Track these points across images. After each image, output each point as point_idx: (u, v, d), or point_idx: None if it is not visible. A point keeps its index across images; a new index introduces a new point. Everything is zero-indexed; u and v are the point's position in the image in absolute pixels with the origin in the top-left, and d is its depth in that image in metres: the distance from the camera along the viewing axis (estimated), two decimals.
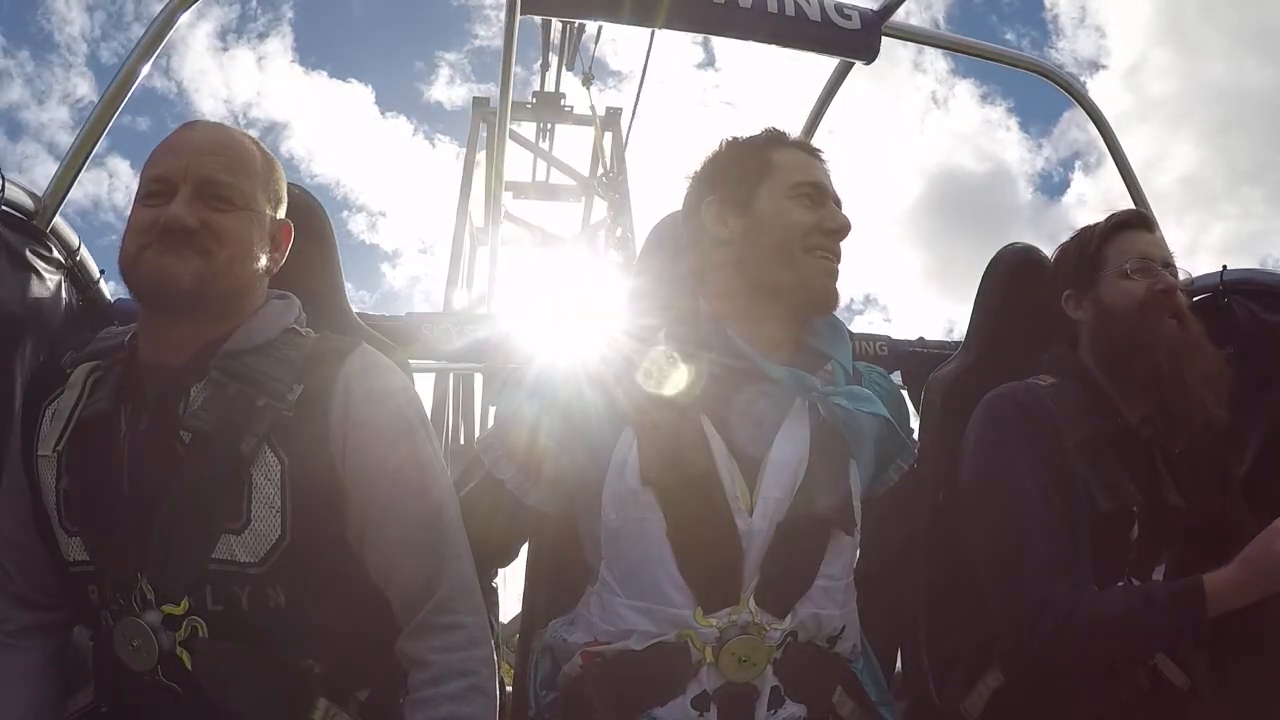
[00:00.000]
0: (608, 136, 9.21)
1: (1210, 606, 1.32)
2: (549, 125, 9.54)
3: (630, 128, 8.60)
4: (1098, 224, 1.64)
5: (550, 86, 9.23)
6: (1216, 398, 1.49)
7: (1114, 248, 1.59)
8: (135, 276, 1.18)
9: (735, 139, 1.43)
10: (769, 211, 1.33)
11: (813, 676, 1.28)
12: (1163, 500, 1.49)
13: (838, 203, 1.37)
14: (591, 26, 7.77)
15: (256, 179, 1.24)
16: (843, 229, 1.33)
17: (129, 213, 1.21)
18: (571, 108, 9.33)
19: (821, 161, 1.39)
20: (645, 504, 1.23)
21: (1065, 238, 1.72)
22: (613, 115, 9.23)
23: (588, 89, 8.22)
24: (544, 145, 9.72)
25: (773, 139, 1.40)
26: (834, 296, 1.33)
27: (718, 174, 1.40)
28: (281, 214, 1.31)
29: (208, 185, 1.18)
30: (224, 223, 1.18)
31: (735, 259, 1.34)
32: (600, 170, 9.32)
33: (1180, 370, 1.48)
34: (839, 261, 1.33)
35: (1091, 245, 1.61)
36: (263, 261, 1.25)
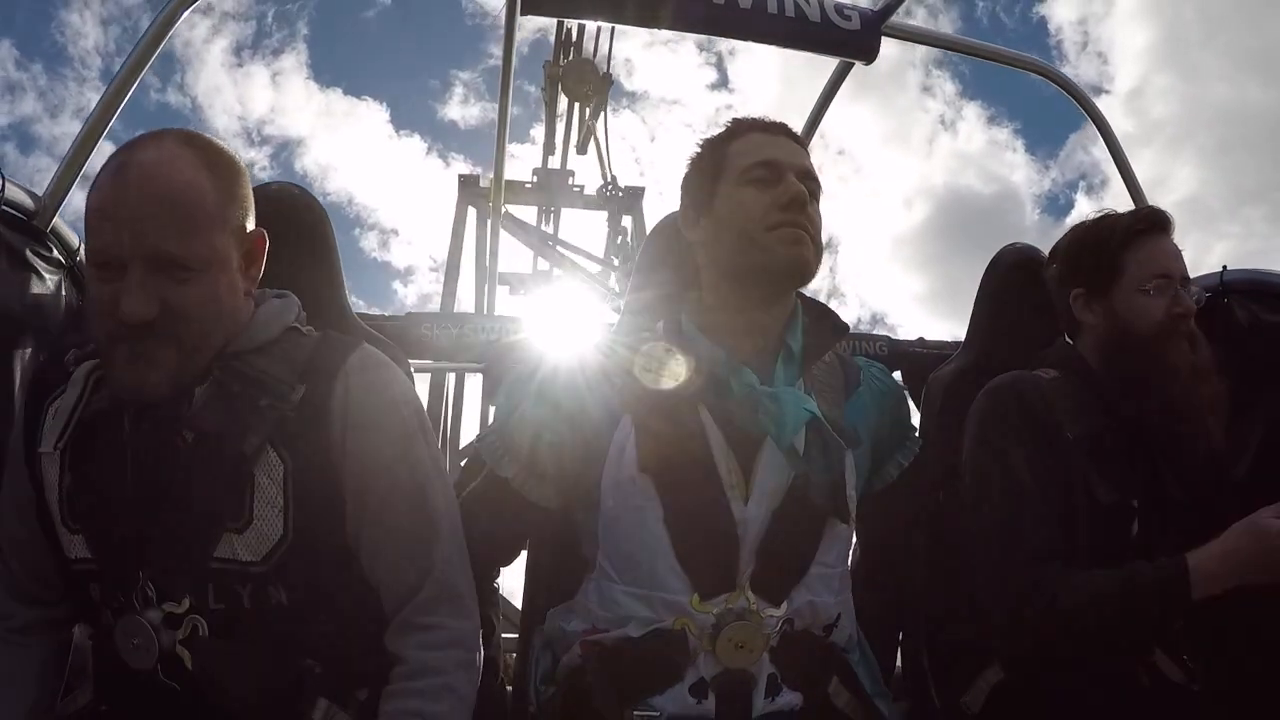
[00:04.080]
0: (626, 221, 7.65)
1: (1194, 583, 1.31)
2: (552, 209, 7.84)
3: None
4: (1116, 222, 1.60)
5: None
6: (1218, 424, 1.50)
7: (1134, 256, 1.55)
8: (111, 380, 1.15)
9: (700, 143, 1.41)
10: (726, 205, 1.32)
11: (809, 665, 1.29)
12: (1164, 495, 1.49)
13: (804, 172, 1.32)
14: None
15: (213, 222, 1.12)
16: (796, 198, 1.28)
17: (90, 281, 1.13)
18: (581, 188, 7.64)
19: (779, 135, 1.36)
20: (643, 491, 1.23)
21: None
22: (633, 195, 7.62)
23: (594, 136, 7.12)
24: (547, 228, 7.95)
25: (730, 130, 1.38)
26: (804, 262, 1.29)
27: (687, 178, 1.41)
28: (251, 224, 1.21)
29: (159, 259, 1.07)
30: (185, 296, 1.10)
31: (711, 258, 1.35)
32: (615, 264, 7.70)
33: (1191, 401, 1.48)
34: (808, 229, 1.29)
35: (1110, 248, 1.57)
36: (239, 295, 1.19)
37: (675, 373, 1.26)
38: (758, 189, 1.30)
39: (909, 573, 1.72)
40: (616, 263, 7.85)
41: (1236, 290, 1.94)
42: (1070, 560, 1.40)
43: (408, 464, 1.22)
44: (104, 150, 1.87)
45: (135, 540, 1.13)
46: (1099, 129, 2.65)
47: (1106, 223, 1.61)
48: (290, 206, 1.58)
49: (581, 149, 7.50)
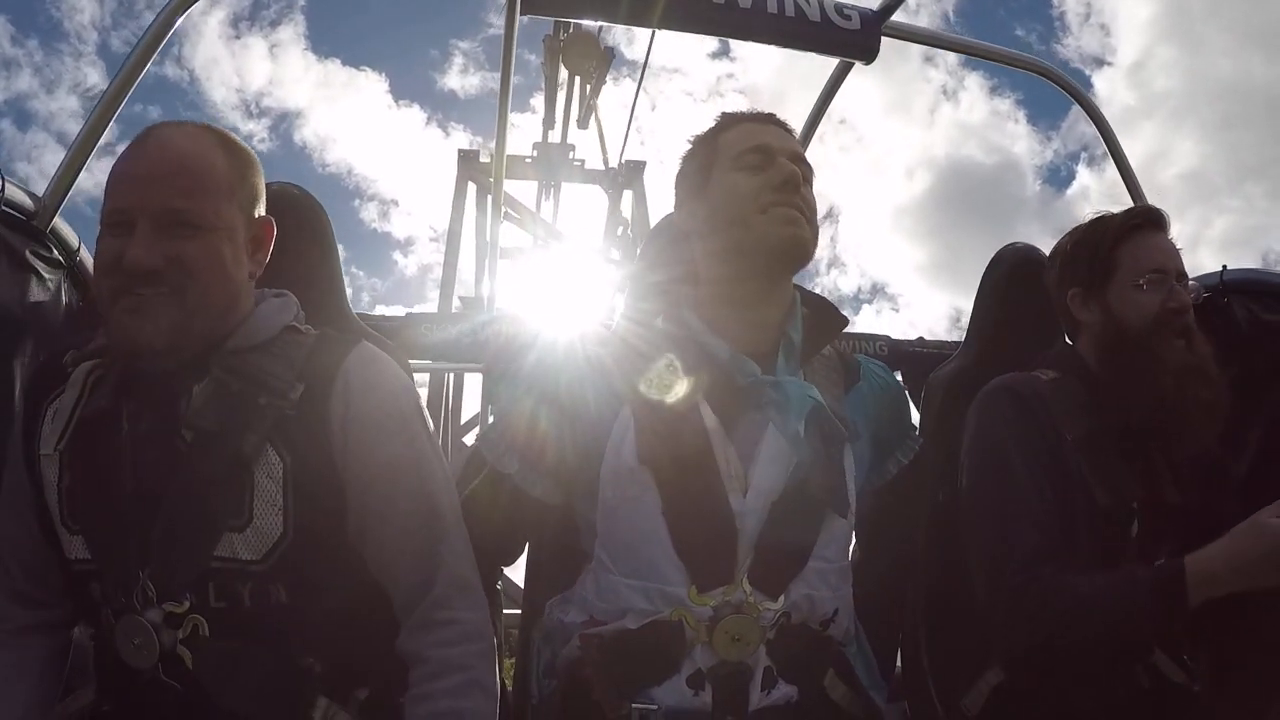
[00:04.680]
0: (627, 196, 7.64)
1: (1191, 586, 1.31)
2: (552, 184, 7.82)
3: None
4: (1111, 220, 1.61)
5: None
6: (1212, 426, 1.49)
7: (1127, 252, 1.55)
8: (110, 333, 1.17)
9: (693, 136, 1.43)
10: (720, 190, 1.33)
11: (805, 658, 1.29)
12: (1163, 497, 1.49)
13: (794, 157, 1.33)
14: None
15: (221, 191, 1.17)
16: (790, 179, 1.29)
17: (98, 242, 1.16)
18: (582, 161, 7.71)
19: (769, 124, 1.37)
20: (642, 482, 1.24)
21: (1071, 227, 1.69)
22: (634, 169, 7.58)
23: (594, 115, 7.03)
24: (547, 203, 7.94)
25: (723, 122, 1.40)
26: (800, 240, 1.29)
27: (681, 173, 1.42)
28: (260, 212, 1.26)
29: (167, 215, 1.12)
30: (190, 251, 1.13)
31: (707, 247, 1.35)
32: (618, 238, 7.65)
33: (1183, 398, 1.47)
34: (803, 209, 1.30)
35: (1104, 246, 1.57)
36: (243, 271, 1.21)
37: (678, 391, 1.26)
38: (750, 173, 1.31)
39: (909, 572, 1.72)
40: (617, 256, 7.82)
41: (1236, 290, 1.94)
42: (1069, 562, 1.40)
43: (411, 459, 1.23)
44: (104, 151, 1.88)
45: (135, 540, 1.13)
46: (1098, 129, 2.65)
47: (1102, 221, 1.62)
48: (290, 206, 1.57)
49: (583, 124, 7.49)
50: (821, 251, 1.33)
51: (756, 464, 1.25)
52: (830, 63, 2.74)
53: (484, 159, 7.53)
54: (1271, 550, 1.28)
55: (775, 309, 1.34)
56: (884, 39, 2.45)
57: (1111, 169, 2.62)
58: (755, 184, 1.30)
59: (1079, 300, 1.61)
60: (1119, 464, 1.48)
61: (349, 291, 1.68)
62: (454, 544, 1.24)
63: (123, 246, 1.11)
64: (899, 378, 2.26)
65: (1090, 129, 2.66)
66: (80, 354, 1.25)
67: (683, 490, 1.24)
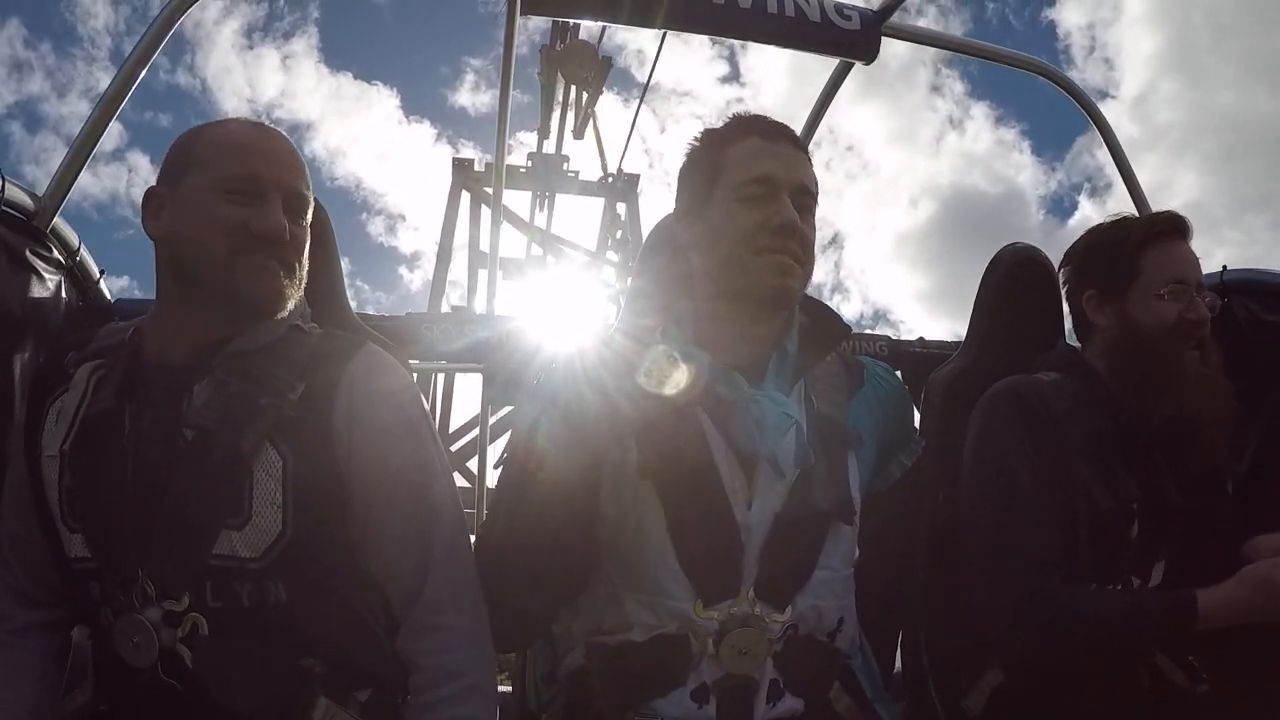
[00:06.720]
0: (621, 209, 7.78)
1: (1201, 623, 1.32)
2: (547, 194, 7.86)
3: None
4: (1133, 224, 1.60)
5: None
6: (1223, 437, 1.50)
7: (1150, 259, 1.54)
8: (224, 283, 1.17)
9: (700, 135, 1.37)
10: (717, 219, 1.29)
11: (811, 671, 1.28)
12: (1164, 498, 1.49)
13: (800, 189, 1.28)
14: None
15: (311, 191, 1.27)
16: (787, 225, 1.25)
17: (199, 201, 1.17)
18: (576, 173, 7.78)
19: (779, 141, 1.31)
20: (645, 498, 1.23)
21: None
22: (629, 182, 7.70)
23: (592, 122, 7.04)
24: (541, 214, 7.99)
25: (731, 131, 1.33)
26: (787, 292, 1.27)
27: (684, 173, 1.38)
28: None
29: (295, 199, 1.21)
30: (302, 237, 1.23)
31: (702, 267, 1.33)
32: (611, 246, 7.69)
33: (1198, 410, 1.48)
34: (796, 255, 1.26)
35: (1127, 250, 1.56)
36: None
37: (678, 380, 1.25)
38: (750, 207, 1.27)
39: (909, 573, 1.72)
40: (616, 258, 7.83)
41: (1236, 290, 1.94)
42: (1070, 565, 1.40)
43: (414, 461, 1.23)
44: (103, 153, 1.87)
45: (134, 538, 1.13)
46: (1099, 130, 2.65)
47: (1123, 225, 1.61)
48: None
49: (579, 134, 7.54)
50: (825, 277, 1.32)
51: (760, 474, 1.24)
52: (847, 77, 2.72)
53: (479, 169, 7.57)
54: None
55: (768, 327, 1.32)
56: (884, 39, 2.45)
57: (1112, 202, 2.62)
58: (753, 221, 1.26)
59: (1094, 303, 1.60)
60: (1120, 465, 1.48)
61: (354, 304, 1.69)
62: (452, 547, 1.23)
63: (248, 213, 1.17)
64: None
65: (1093, 160, 2.67)
66: (82, 354, 1.25)
67: (687, 505, 1.23)
